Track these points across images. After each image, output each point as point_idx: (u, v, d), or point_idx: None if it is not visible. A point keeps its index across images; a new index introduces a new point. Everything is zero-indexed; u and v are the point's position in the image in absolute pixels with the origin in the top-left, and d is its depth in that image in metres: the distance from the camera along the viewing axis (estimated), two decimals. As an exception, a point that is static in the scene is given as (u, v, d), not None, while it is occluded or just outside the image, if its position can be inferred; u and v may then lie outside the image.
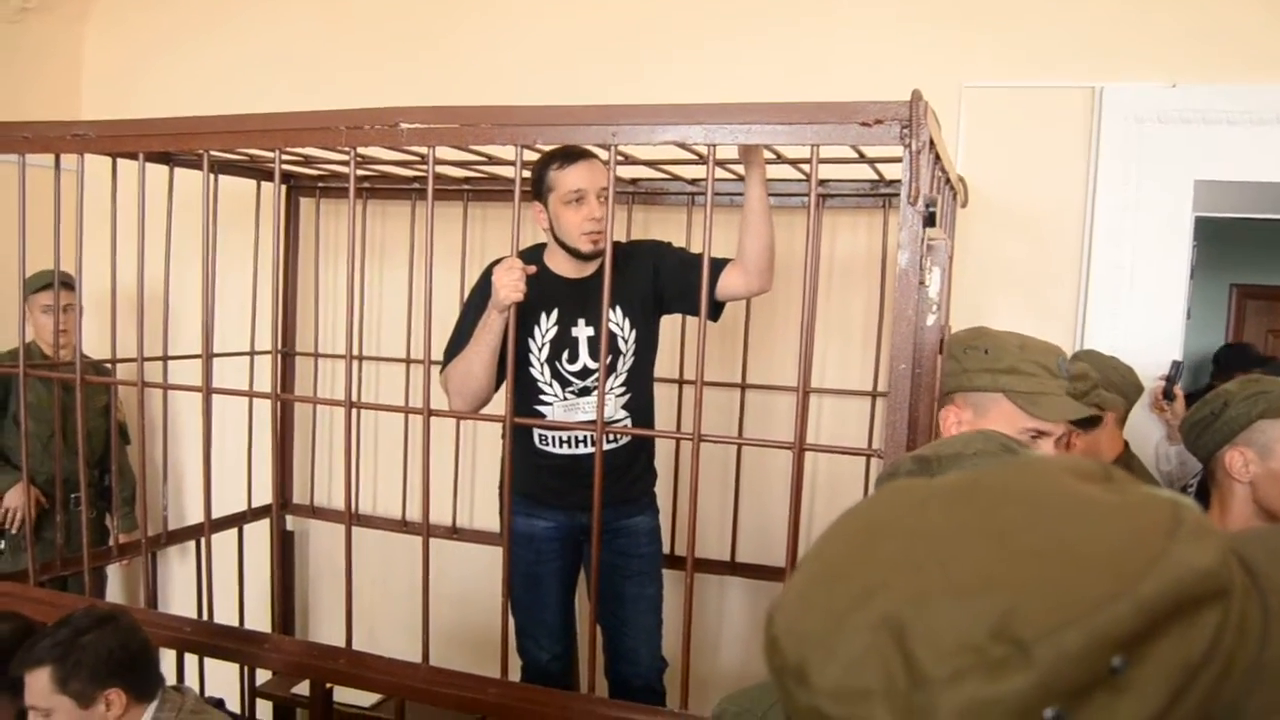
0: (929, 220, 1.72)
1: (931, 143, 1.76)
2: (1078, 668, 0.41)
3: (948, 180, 2.29)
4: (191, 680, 2.92)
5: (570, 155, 2.40)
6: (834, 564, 0.53)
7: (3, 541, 3.28)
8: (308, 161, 3.18)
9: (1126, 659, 0.41)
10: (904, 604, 0.46)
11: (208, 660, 2.88)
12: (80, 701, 1.94)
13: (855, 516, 0.56)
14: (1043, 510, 0.47)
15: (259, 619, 3.39)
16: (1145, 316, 2.82)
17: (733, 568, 3.21)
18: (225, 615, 2.92)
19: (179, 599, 3.71)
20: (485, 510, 3.51)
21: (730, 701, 1.22)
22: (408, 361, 3.46)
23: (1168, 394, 2.77)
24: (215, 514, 2.56)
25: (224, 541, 3.29)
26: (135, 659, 2.04)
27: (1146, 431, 2.84)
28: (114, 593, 3.88)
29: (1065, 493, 0.48)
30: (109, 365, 3.06)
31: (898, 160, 1.76)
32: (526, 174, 2.37)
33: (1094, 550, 0.44)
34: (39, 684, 1.93)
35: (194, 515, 3.71)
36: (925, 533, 0.49)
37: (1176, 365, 2.78)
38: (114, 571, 3.82)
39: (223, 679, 3.09)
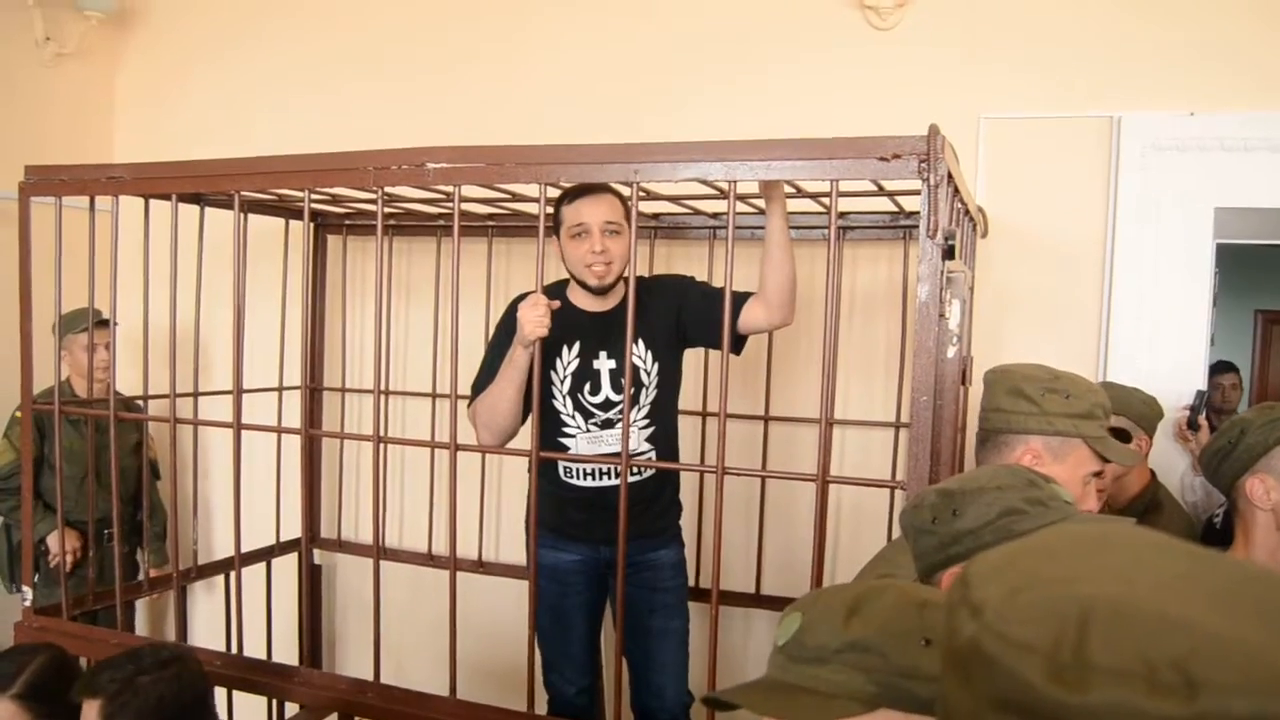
0: (948, 253, 1.73)
1: (950, 176, 1.78)
2: None
3: (967, 212, 2.31)
4: (220, 714, 2.94)
5: (577, 191, 2.44)
6: (1054, 548, 0.55)
7: (38, 575, 3.33)
8: (335, 200, 3.23)
9: None
10: (1103, 600, 0.48)
11: (236, 694, 2.90)
12: None
13: (1095, 527, 0.59)
14: (1271, 602, 0.48)
15: (287, 653, 3.40)
16: (1168, 344, 2.82)
17: (758, 600, 3.21)
18: (253, 649, 2.94)
19: (203, 633, 3.74)
20: (511, 544, 3.53)
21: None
22: (434, 396, 3.49)
23: (1192, 424, 2.76)
24: (244, 548, 2.59)
25: (252, 575, 3.32)
26: (187, 708, 2.02)
27: (1172, 461, 2.82)
28: (140, 627, 3.92)
29: None
30: (139, 402, 3.11)
31: (918, 192, 1.78)
32: (550, 210, 2.41)
33: None
34: (90, 714, 1.95)
35: (222, 550, 3.74)
36: (1154, 565, 0.51)
37: (1201, 395, 2.77)
38: (141, 605, 3.86)
39: (251, 713, 3.10)
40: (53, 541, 3.34)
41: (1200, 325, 2.83)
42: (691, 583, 2.92)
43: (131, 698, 1.93)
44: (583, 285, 2.49)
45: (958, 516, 1.29)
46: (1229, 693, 0.43)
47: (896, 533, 1.59)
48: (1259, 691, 0.43)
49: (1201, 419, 2.76)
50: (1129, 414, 2.46)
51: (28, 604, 2.80)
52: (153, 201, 2.58)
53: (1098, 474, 1.77)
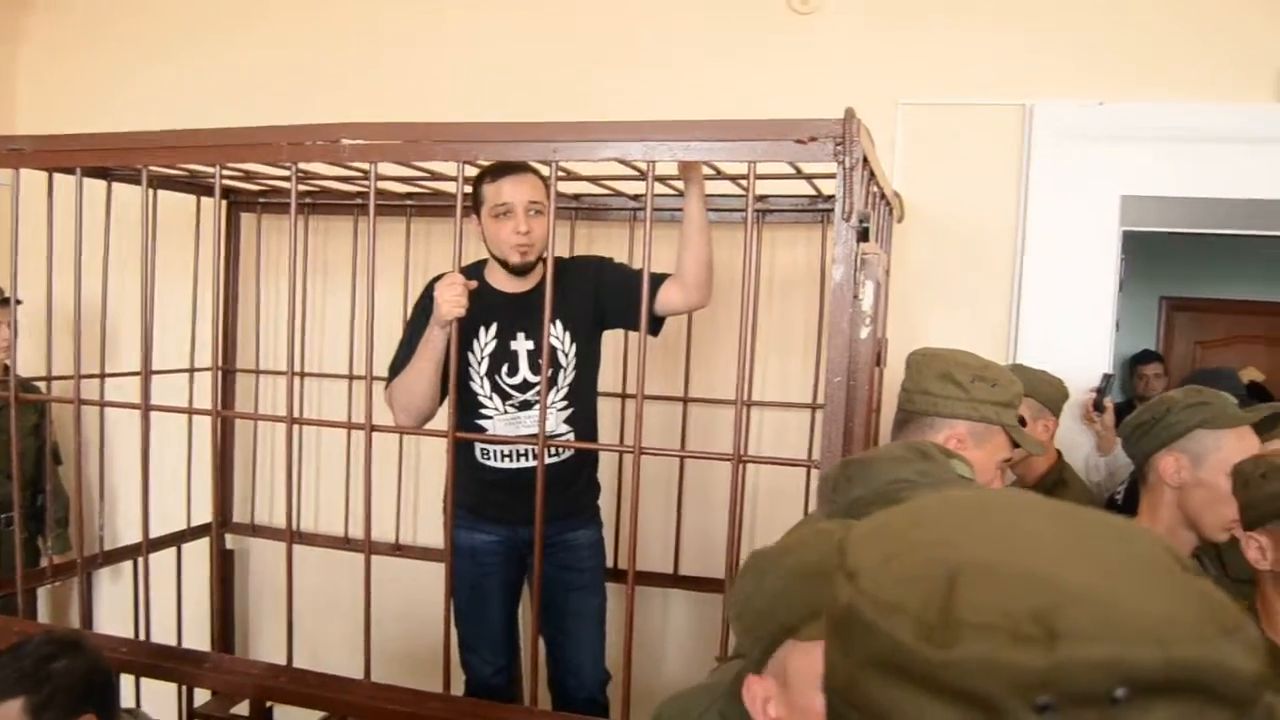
0: (863, 235, 1.76)
1: (865, 159, 1.80)
2: (1086, 676, 0.44)
3: (883, 196, 2.34)
4: (127, 702, 2.87)
5: (500, 169, 2.42)
6: (929, 515, 0.57)
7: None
8: (249, 177, 3.14)
9: (1129, 698, 0.44)
10: (970, 563, 0.50)
11: (144, 681, 2.83)
12: None
13: (970, 493, 0.61)
14: (1134, 558, 0.51)
15: (199, 640, 3.33)
16: (1075, 329, 2.89)
17: (676, 580, 3.23)
18: (161, 636, 2.88)
19: (109, 620, 3.64)
20: (429, 526, 3.50)
21: (667, 705, 1.24)
22: (350, 377, 3.44)
23: (1098, 406, 2.84)
24: (153, 533, 2.52)
25: (161, 561, 3.24)
26: (104, 683, 1.96)
27: (1076, 442, 2.91)
28: (42, 616, 3.80)
29: (1158, 556, 0.51)
30: (38, 384, 3.01)
31: (834, 175, 1.80)
32: (469, 189, 2.38)
33: (1156, 603, 0.47)
34: (8, 717, 1.86)
35: (129, 535, 3.65)
36: (1022, 528, 0.53)
37: (1107, 378, 2.85)
38: (42, 594, 3.74)
39: (159, 701, 3.04)
40: None
41: (1106, 310, 2.92)
42: (611, 564, 2.92)
43: (56, 683, 1.84)
44: (504, 265, 2.47)
45: (851, 484, 1.33)
46: (1087, 640, 0.45)
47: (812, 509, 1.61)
48: (1116, 639, 0.45)
49: (1107, 401, 2.84)
50: (1037, 395, 2.53)
51: (-78, 592, 2.71)
52: (57, 176, 2.49)
53: (1008, 460, 1.83)
